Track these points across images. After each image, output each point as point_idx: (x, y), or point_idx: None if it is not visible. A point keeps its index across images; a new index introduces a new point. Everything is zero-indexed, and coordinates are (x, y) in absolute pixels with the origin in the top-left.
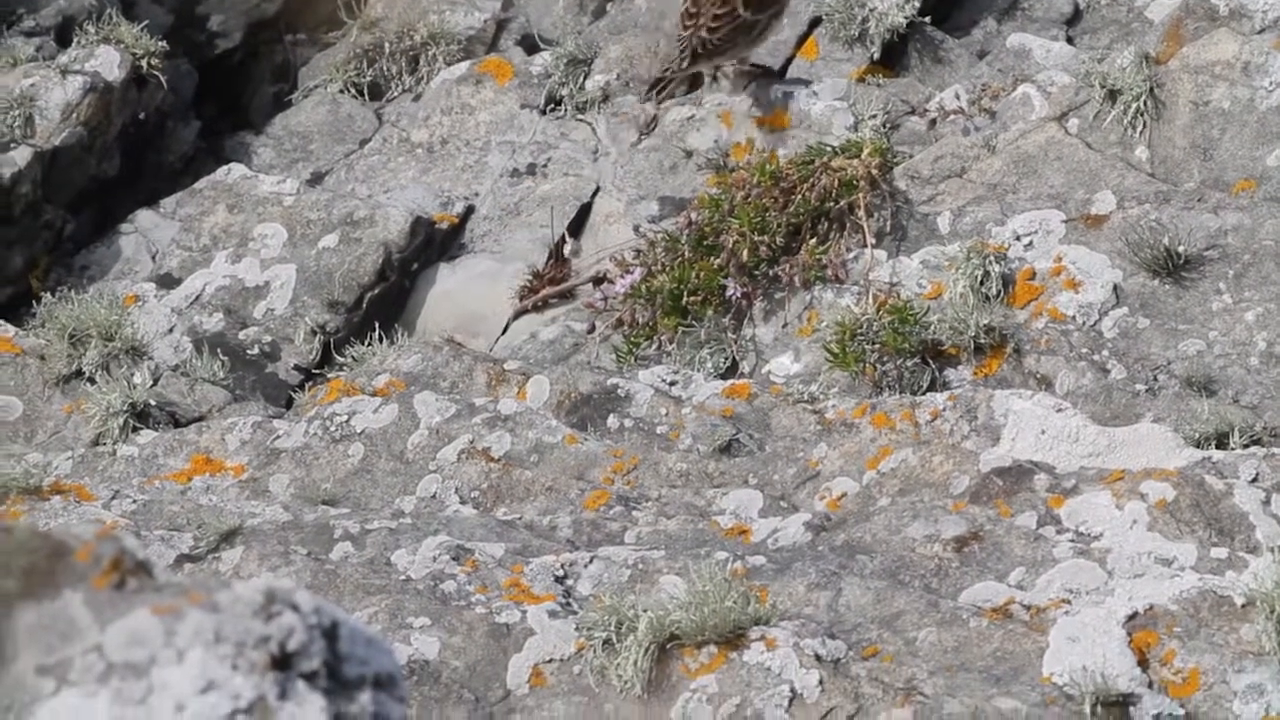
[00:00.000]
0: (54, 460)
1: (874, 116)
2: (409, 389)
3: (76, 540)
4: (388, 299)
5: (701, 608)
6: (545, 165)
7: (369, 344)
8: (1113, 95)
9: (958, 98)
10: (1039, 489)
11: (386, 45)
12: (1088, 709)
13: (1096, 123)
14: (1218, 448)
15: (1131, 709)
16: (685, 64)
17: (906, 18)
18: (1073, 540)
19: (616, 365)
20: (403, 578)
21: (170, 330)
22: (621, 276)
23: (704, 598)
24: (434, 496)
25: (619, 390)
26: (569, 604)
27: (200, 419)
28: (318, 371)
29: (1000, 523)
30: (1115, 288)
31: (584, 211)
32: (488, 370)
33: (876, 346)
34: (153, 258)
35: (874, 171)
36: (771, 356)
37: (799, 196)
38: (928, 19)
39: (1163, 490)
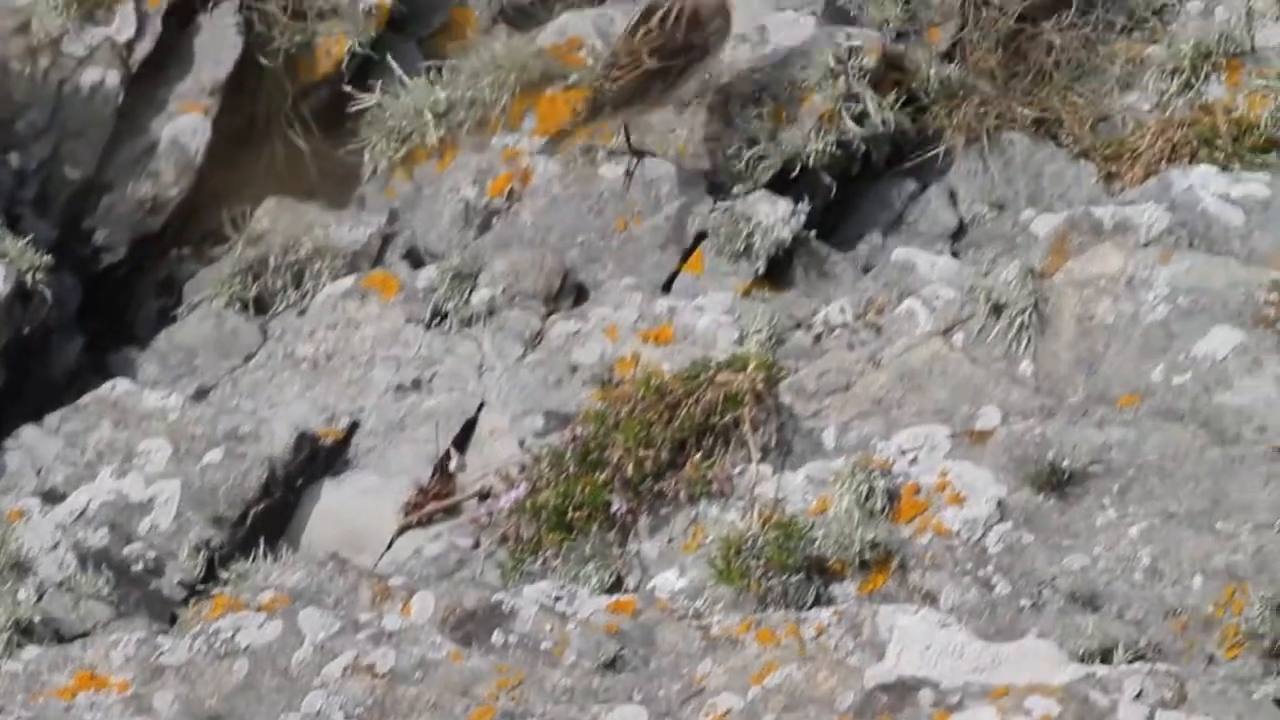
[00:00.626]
0: None
1: (759, 331)
2: (293, 605)
3: None
4: (273, 515)
5: None
6: (430, 380)
7: (254, 560)
8: (997, 310)
9: (843, 312)
10: (924, 705)
11: (272, 259)
12: None
13: (981, 337)
14: (1102, 663)
15: None
16: (583, 116)
17: (792, 232)
18: None
19: (501, 581)
20: None
21: (55, 546)
22: (506, 492)
23: None
24: (318, 713)
25: (504, 606)
26: None
27: (85, 635)
28: (202, 587)
29: None
30: (1000, 503)
31: (469, 426)
32: (372, 586)
33: (762, 562)
34: (37, 473)
35: (759, 386)
36: (657, 572)
37: (684, 411)
38: (813, 233)
39: (1047, 706)
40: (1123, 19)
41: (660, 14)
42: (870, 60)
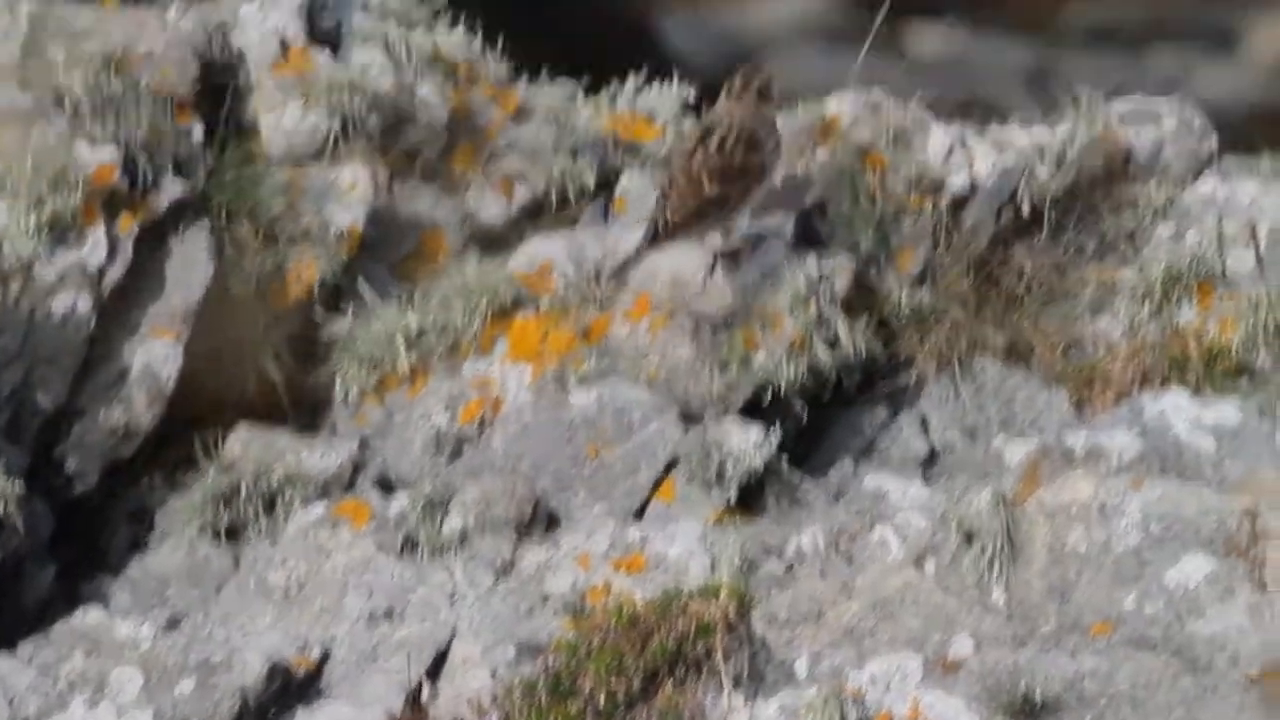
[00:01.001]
0: None
1: (731, 559)
2: None
3: None
4: None
5: None
6: (403, 609)
7: None
8: (969, 538)
9: (815, 540)
10: None
11: (243, 487)
12: None
13: (953, 565)
14: None
15: None
16: (644, 243)
17: (763, 459)
18: None
19: None
20: None
21: None
22: None
23: None
24: None
25: None
26: None
27: None
28: None
29: None
30: None
31: (441, 656)
32: None
33: None
34: (10, 703)
35: (731, 615)
36: None
37: (656, 640)
38: (785, 460)
39: None
40: (1094, 244)
41: (719, 136)
42: (841, 285)
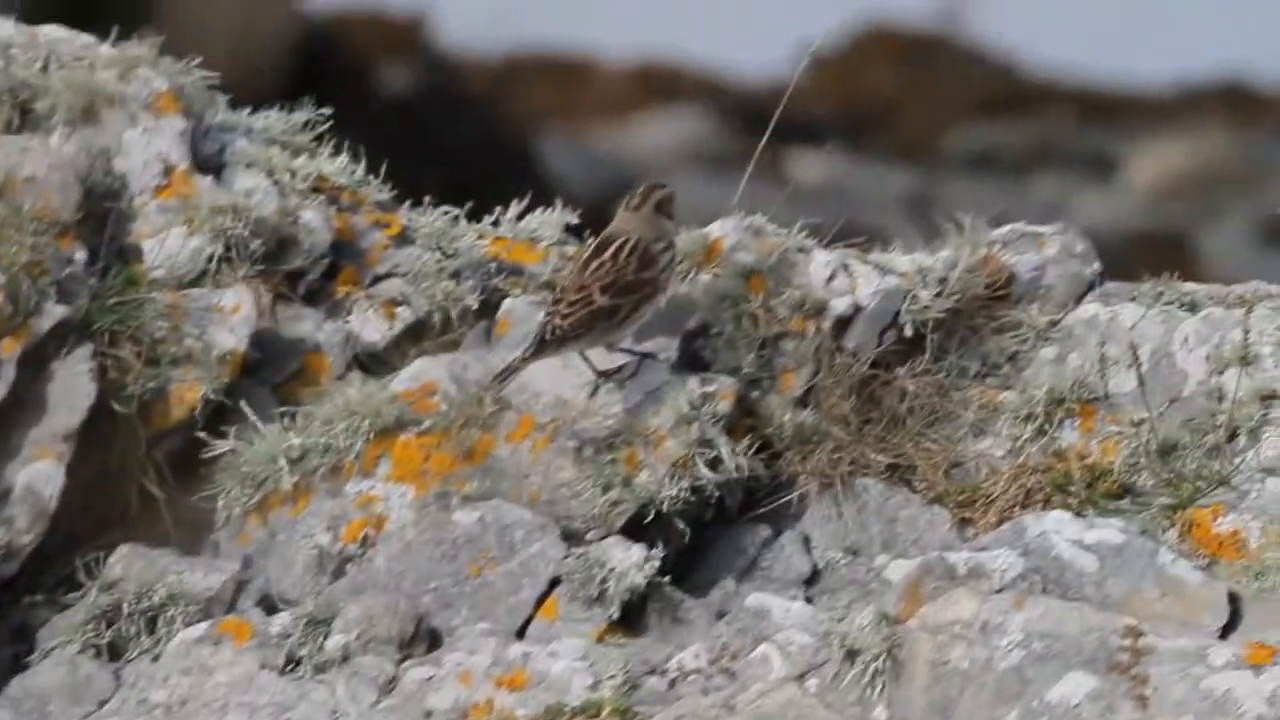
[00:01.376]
0: None
1: (613, 676)
2: None
3: None
4: None
5: None
6: None
7: None
8: (852, 655)
9: (697, 657)
10: None
11: (125, 606)
12: None
13: (836, 683)
14: None
15: None
16: (530, 353)
17: (646, 578)
18: None
19: None
20: None
21: None
22: None
23: None
24: None
25: None
26: None
27: None
28: None
29: None
30: None
31: None
32: None
33: None
34: None
35: None
36: None
37: None
38: (667, 579)
39: None
40: (976, 365)
41: (614, 248)
42: (724, 406)
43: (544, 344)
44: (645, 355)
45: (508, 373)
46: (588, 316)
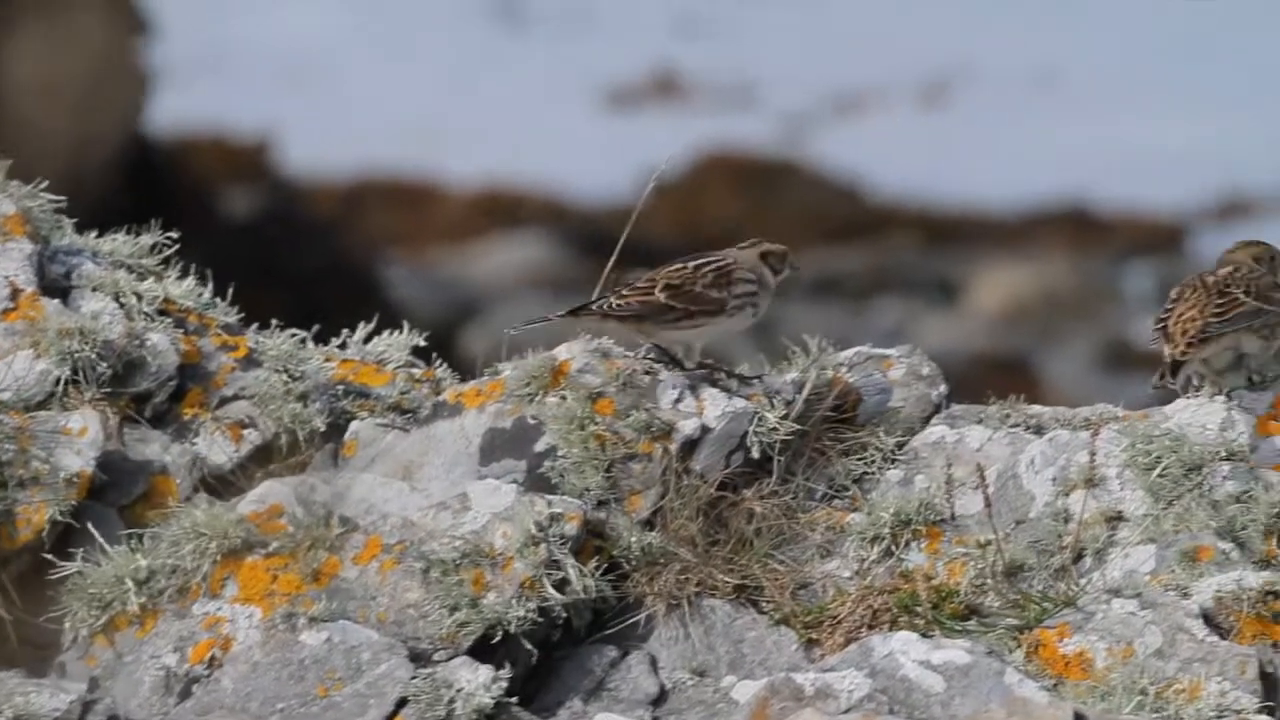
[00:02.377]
0: None
1: None
2: None
3: None
4: None
5: None
6: None
7: None
8: None
9: None
10: None
11: None
12: None
13: None
14: None
15: None
16: (568, 312)
17: (493, 698)
18: None
19: None
20: None
21: None
22: None
23: None
24: None
25: None
26: None
27: None
28: None
29: None
30: None
31: None
32: None
33: None
34: None
35: None
36: None
37: None
38: (514, 700)
39: None
40: (823, 487)
41: (699, 261)
42: (571, 528)
43: (587, 310)
44: (722, 371)
45: (533, 323)
46: (640, 305)
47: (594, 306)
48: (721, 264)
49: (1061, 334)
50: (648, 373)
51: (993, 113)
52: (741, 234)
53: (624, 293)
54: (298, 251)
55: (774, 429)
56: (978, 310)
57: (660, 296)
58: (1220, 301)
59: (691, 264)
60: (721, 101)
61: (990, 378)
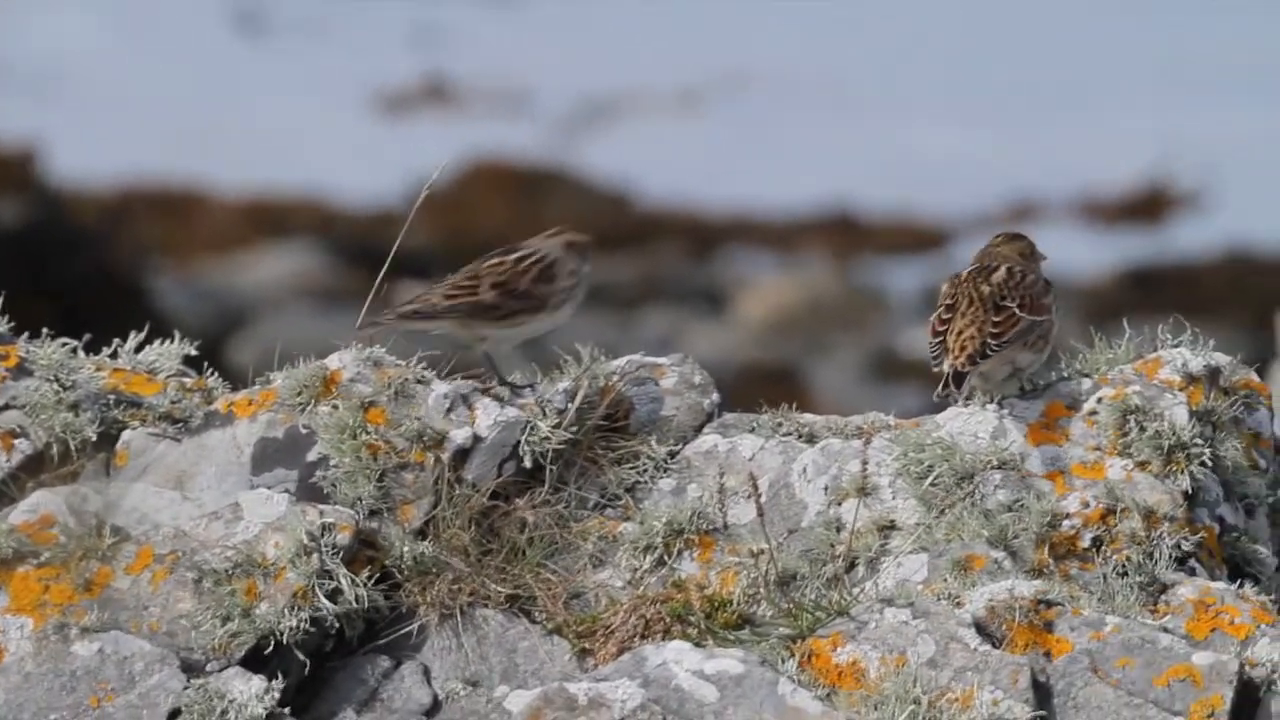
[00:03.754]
0: None
1: None
2: None
3: None
4: None
5: None
6: None
7: None
8: None
9: None
10: None
11: None
12: None
13: None
14: None
15: None
16: (396, 316)
17: (266, 709)
18: None
19: None
20: None
21: None
22: None
23: None
24: None
25: None
26: None
27: None
28: None
29: None
30: None
31: None
32: None
33: None
34: None
35: None
36: None
37: None
38: (287, 710)
39: None
40: (596, 496)
41: (518, 255)
42: (344, 538)
43: (416, 314)
44: (508, 384)
45: (374, 325)
46: (466, 305)
47: (420, 306)
48: (542, 258)
49: (829, 343)
50: (420, 381)
51: (764, 119)
52: (506, 242)
53: (450, 291)
54: (65, 261)
55: (546, 438)
56: (745, 319)
57: (488, 295)
58: (997, 320)
59: (511, 258)
60: (490, 109)
61: (759, 387)
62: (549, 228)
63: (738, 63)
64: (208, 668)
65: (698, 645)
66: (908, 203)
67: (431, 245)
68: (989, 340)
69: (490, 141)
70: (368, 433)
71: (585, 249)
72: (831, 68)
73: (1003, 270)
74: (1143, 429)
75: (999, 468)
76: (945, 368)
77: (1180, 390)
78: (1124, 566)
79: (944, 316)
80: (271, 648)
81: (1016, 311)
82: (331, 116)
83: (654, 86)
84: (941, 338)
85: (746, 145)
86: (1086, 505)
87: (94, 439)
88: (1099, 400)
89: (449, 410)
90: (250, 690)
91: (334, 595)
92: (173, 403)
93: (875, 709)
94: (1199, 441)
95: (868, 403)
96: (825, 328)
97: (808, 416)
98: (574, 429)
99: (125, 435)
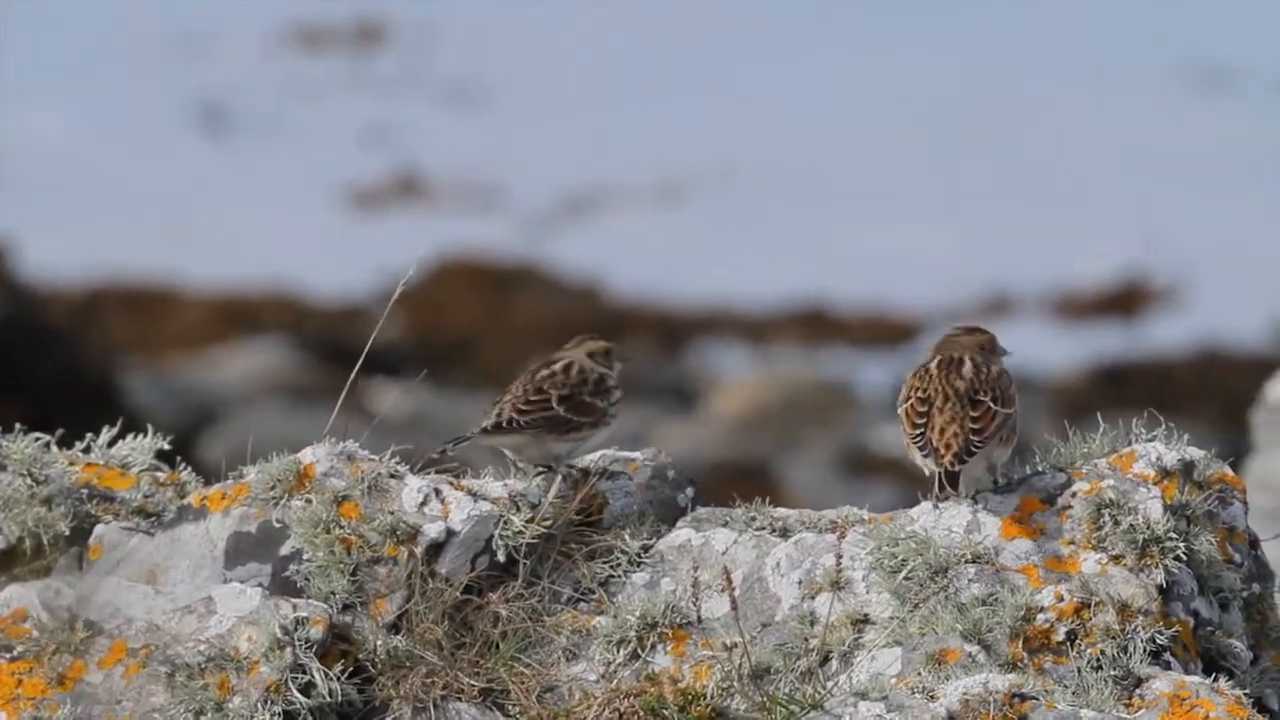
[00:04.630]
0: None
1: None
2: None
3: None
4: None
5: None
6: None
7: None
8: None
9: None
10: None
11: None
12: None
13: None
14: None
15: None
16: (480, 434)
17: None
18: None
19: None
20: None
21: None
22: None
23: None
24: None
25: None
26: None
27: None
28: None
29: None
30: None
31: None
32: None
33: None
34: None
35: None
36: None
37: None
38: None
39: None
40: (569, 590)
41: (562, 364)
42: (317, 632)
43: (500, 430)
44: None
45: (459, 441)
46: (542, 419)
47: (499, 423)
48: (581, 367)
49: (800, 439)
50: (393, 475)
51: (733, 214)
52: (477, 339)
53: (521, 407)
54: (36, 358)
55: (520, 532)
56: (716, 415)
57: (559, 409)
58: (975, 415)
59: (560, 371)
60: (460, 205)
61: (731, 483)
62: (520, 322)
63: (709, 158)
64: None
65: None
66: (880, 298)
67: (402, 341)
68: (971, 438)
69: (461, 237)
70: (341, 527)
71: (608, 355)
72: (803, 164)
73: (969, 364)
74: (1117, 523)
75: (973, 561)
76: (934, 467)
77: (1155, 484)
78: (1098, 660)
79: (920, 409)
80: None
81: (991, 405)
82: (300, 213)
83: (624, 182)
84: (922, 431)
85: (716, 240)
86: (1061, 599)
87: (67, 533)
88: (1073, 494)
89: (422, 504)
90: None
91: (307, 689)
92: (145, 497)
93: None
94: (1173, 535)
95: (839, 498)
96: (797, 423)
97: (781, 510)
98: (548, 523)
99: (98, 529)
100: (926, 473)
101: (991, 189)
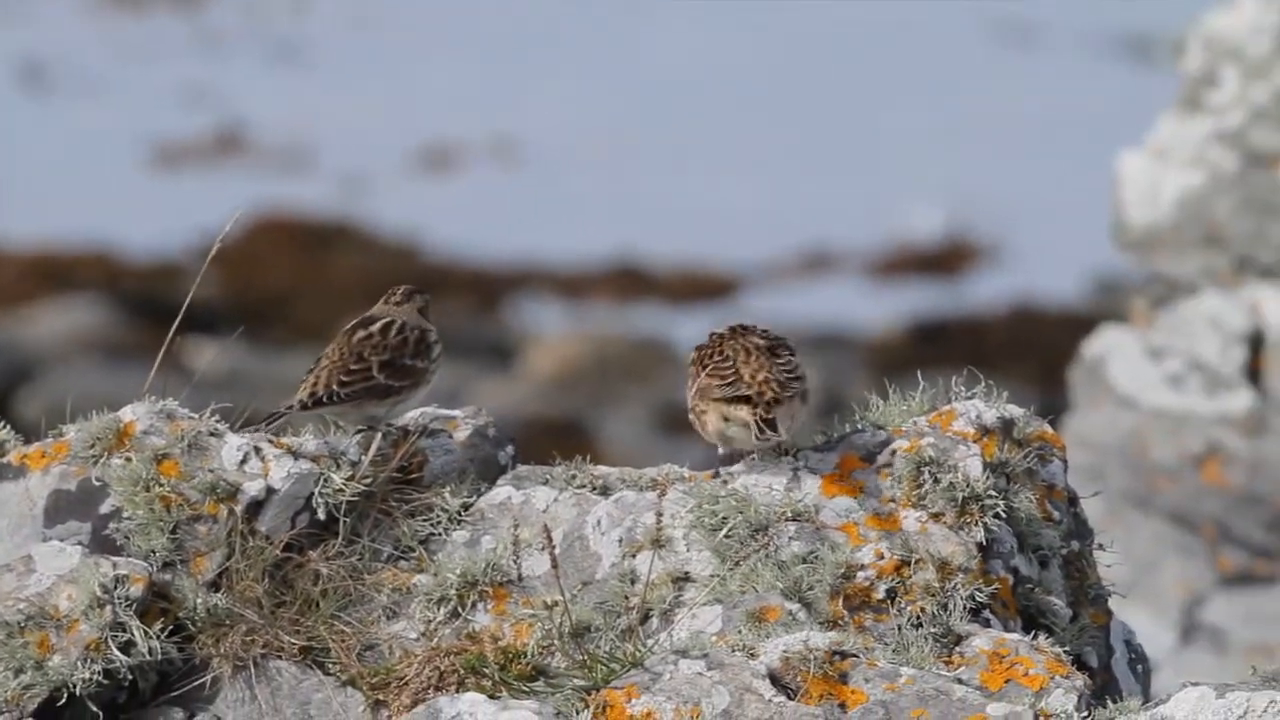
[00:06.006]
0: None
1: None
2: None
3: None
4: None
5: None
6: None
7: None
8: None
9: None
10: None
11: None
12: None
13: None
14: None
15: None
16: (299, 408)
17: None
18: None
19: None
20: None
21: None
22: None
23: None
24: None
25: None
26: None
27: None
28: None
29: None
30: None
31: None
32: None
33: None
34: None
35: None
36: None
37: None
38: None
39: None
40: (389, 548)
41: (381, 325)
42: (137, 590)
43: (318, 403)
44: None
45: (275, 419)
46: (364, 388)
47: (318, 397)
48: (400, 325)
49: (617, 396)
50: (213, 434)
51: (547, 174)
52: (293, 296)
53: (342, 378)
54: None
55: (340, 490)
56: (533, 373)
57: (380, 377)
58: (781, 361)
59: (379, 333)
60: (275, 163)
61: (549, 440)
62: (337, 280)
63: (528, 120)
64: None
65: (492, 697)
66: (696, 255)
67: (219, 298)
68: (784, 377)
69: (280, 195)
70: (161, 485)
71: (427, 308)
72: (620, 125)
73: (758, 330)
74: (937, 480)
75: (793, 519)
76: (748, 417)
77: (974, 442)
78: (918, 618)
79: (724, 367)
80: (65, 700)
81: (793, 357)
82: (117, 171)
83: (447, 141)
84: (733, 381)
85: (535, 200)
86: (881, 557)
87: None
88: (893, 452)
89: (242, 462)
90: None
91: (127, 647)
92: None
93: None
94: (993, 493)
95: (657, 455)
96: (613, 380)
97: (601, 469)
98: (367, 481)
99: None
100: (734, 429)
101: (808, 147)
